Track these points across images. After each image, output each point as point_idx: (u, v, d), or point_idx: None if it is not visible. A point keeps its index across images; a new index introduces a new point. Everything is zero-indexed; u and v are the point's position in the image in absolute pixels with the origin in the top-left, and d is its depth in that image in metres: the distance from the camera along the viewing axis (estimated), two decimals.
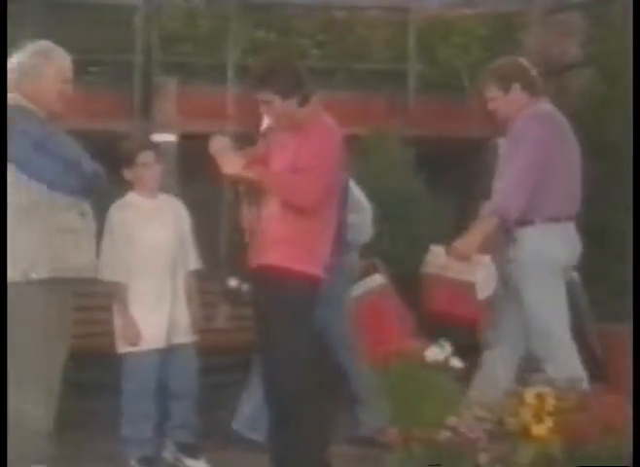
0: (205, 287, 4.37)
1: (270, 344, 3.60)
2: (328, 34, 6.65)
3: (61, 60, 3.58)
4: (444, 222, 5.56)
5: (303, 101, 3.62)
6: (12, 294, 3.41)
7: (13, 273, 3.41)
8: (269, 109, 3.61)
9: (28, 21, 6.19)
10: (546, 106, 4.02)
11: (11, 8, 5.61)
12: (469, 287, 3.87)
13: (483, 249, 3.89)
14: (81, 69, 3.70)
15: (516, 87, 3.96)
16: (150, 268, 4.08)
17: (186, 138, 6.09)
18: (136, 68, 6.30)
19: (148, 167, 4.12)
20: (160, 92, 6.25)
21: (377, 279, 4.64)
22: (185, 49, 6.58)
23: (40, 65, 3.53)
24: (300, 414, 3.54)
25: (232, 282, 4.25)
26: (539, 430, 2.60)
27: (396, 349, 3.12)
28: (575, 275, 4.14)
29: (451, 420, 2.73)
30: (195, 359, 4.22)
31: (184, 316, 4.17)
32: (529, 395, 2.67)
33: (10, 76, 3.55)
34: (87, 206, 3.60)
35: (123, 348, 4.09)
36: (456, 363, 3.12)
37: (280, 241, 3.57)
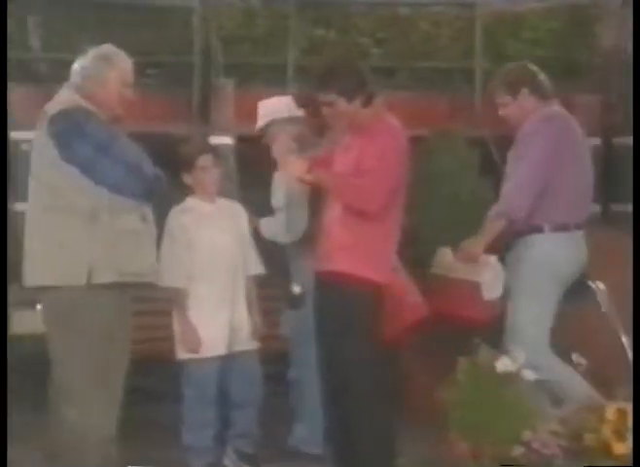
0: (269, 293, 4.37)
1: (333, 354, 3.59)
2: (390, 32, 6.62)
3: (123, 64, 3.64)
4: None
5: (367, 102, 3.62)
6: (72, 298, 3.46)
7: (74, 278, 3.46)
8: (332, 111, 3.61)
9: (87, 24, 6.30)
10: (555, 109, 4.05)
11: (70, 11, 5.75)
12: (476, 288, 3.90)
13: (491, 250, 3.91)
14: (139, 72, 3.74)
15: (525, 91, 4.02)
16: (210, 273, 4.11)
17: (244, 141, 6.12)
18: (194, 70, 6.36)
19: (207, 171, 4.15)
20: (218, 94, 6.30)
21: None
22: (243, 49, 6.62)
23: (102, 69, 3.60)
24: (365, 428, 3.52)
25: (296, 288, 4.24)
26: (620, 448, 2.53)
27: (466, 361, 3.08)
28: (591, 284, 4.14)
29: (525, 435, 2.68)
30: (257, 367, 4.22)
31: (245, 323, 4.18)
32: (610, 410, 2.60)
33: (73, 80, 3.62)
34: (148, 210, 3.63)
35: (182, 355, 4.12)
36: (528, 374, 3.07)
37: (343, 246, 3.57)
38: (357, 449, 3.55)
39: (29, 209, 3.60)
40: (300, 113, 4.43)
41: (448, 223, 5.03)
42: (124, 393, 3.65)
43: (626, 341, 4.28)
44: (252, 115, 6.18)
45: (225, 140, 6.19)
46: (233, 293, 4.16)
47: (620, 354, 4.05)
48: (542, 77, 4.11)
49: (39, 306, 3.70)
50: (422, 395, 3.80)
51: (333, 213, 3.65)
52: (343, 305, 3.57)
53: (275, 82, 6.42)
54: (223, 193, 4.33)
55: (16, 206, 5.86)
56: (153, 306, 5.01)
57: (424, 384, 3.92)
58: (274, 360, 4.45)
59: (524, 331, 3.85)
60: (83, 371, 3.49)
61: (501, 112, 4.12)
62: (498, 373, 3.00)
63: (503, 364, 3.04)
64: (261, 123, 4.52)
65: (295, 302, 4.19)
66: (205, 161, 4.16)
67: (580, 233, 4.02)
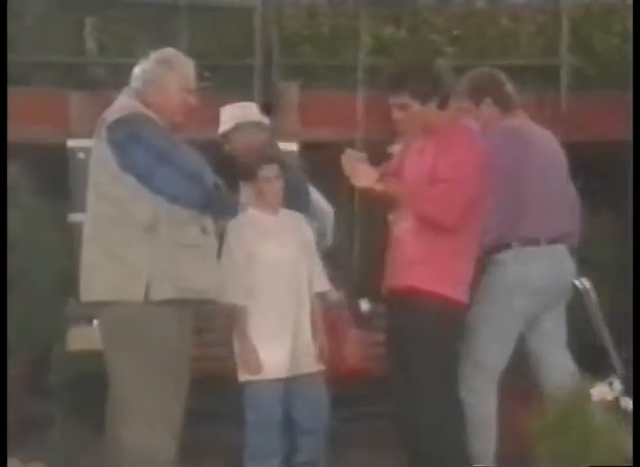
0: (335, 310, 4.31)
1: (407, 376, 3.54)
2: (465, 28, 6.56)
3: (185, 68, 3.65)
4: (601, 238, 5.37)
5: (443, 104, 3.57)
6: (130, 314, 3.47)
7: (131, 293, 3.47)
8: (405, 114, 3.56)
9: (145, 26, 6.39)
10: (515, 122, 4.04)
11: (127, 12, 5.82)
12: None
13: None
14: (196, 75, 3.76)
15: (489, 101, 4.01)
16: (272, 290, 4.06)
17: (309, 147, 6.12)
18: (255, 72, 6.39)
19: (269, 182, 4.10)
20: (281, 98, 6.32)
21: (334, 294, 4.49)
22: (306, 50, 6.64)
23: (164, 74, 3.61)
24: (442, 451, 3.47)
25: (364, 305, 4.17)
26: None
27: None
28: (583, 281, 4.17)
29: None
30: (323, 390, 4.16)
31: (310, 343, 4.13)
32: None
33: (133, 85, 3.65)
34: (208, 222, 3.63)
35: (243, 376, 4.09)
36: (627, 403, 2.98)
37: (418, 261, 3.51)
38: None
39: (86, 220, 3.62)
40: (265, 120, 4.49)
41: None
42: (184, 414, 3.66)
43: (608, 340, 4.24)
44: (317, 120, 6.21)
45: (288, 147, 6.20)
46: (297, 311, 4.11)
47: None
48: (508, 87, 4.14)
49: (96, 322, 3.74)
50: (506, 423, 3.74)
51: (405, 225, 3.60)
52: (417, 324, 3.51)
53: (341, 84, 6.41)
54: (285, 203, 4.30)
55: (73, 217, 5.98)
56: (214, 324, 5.03)
57: (508, 411, 3.85)
58: (340, 383, 4.40)
59: (485, 357, 3.80)
60: (142, 390, 3.49)
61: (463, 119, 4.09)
62: (593, 400, 2.91)
63: (599, 391, 2.96)
64: (223, 128, 4.53)
65: (362, 320, 4.11)
66: (269, 171, 4.12)
67: (557, 248, 3.97)
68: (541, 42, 6.54)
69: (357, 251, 5.66)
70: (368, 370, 4.73)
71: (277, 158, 4.20)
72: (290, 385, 4.06)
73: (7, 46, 4.33)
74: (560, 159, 4.14)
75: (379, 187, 3.57)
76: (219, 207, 3.63)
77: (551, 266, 3.93)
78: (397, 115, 3.61)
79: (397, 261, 3.61)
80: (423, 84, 3.54)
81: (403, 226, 3.61)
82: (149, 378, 3.51)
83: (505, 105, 4.09)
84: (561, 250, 4.00)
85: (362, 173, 3.59)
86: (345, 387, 4.61)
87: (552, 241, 3.95)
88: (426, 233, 3.51)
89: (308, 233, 4.24)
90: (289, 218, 4.23)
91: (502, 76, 4.19)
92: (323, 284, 4.21)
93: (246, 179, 4.13)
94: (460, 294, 3.56)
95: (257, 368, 4.00)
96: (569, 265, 4.04)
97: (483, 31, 6.57)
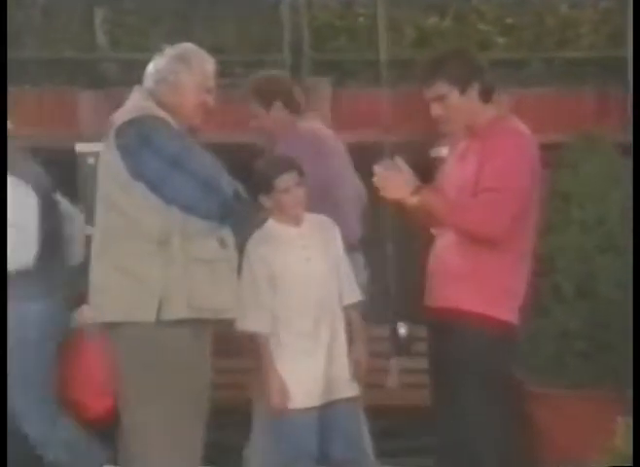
0: (370, 333, 4.29)
1: (453, 407, 3.52)
2: (519, 17, 6.53)
3: (204, 66, 3.65)
4: None
5: (485, 96, 3.55)
6: (140, 336, 3.48)
7: (142, 313, 3.47)
8: (445, 108, 3.54)
9: (161, 19, 6.45)
10: (308, 125, 4.38)
11: (142, 3, 5.88)
12: None
13: None
14: (219, 72, 3.76)
15: (278, 105, 4.33)
16: (300, 312, 4.02)
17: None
18: (284, 68, 6.40)
19: (288, 192, 4.08)
20: (312, 96, 6.33)
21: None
22: (339, 44, 6.65)
23: (180, 72, 3.62)
24: None
25: (402, 329, 4.13)
26: None
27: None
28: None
29: None
30: (360, 419, 4.11)
31: (345, 364, 4.12)
32: None
33: (145, 83, 3.66)
34: (227, 234, 3.63)
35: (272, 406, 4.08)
36: None
37: (462, 279, 3.47)
38: None
39: (94, 233, 3.64)
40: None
41: (590, 252, 4.92)
42: (204, 449, 3.65)
43: None
44: (352, 121, 6.21)
45: None
46: (331, 331, 4.09)
47: None
48: (296, 89, 4.45)
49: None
50: (564, 460, 3.69)
51: (446, 240, 3.58)
52: (464, 351, 3.48)
53: (379, 81, 6.41)
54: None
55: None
56: (236, 346, 5.03)
57: (565, 447, 3.82)
58: (378, 413, 4.38)
59: None
60: (155, 422, 3.49)
61: (253, 124, 4.42)
62: None
63: None
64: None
65: (401, 346, 4.05)
66: (287, 181, 4.11)
67: (353, 255, 4.19)
68: (605, 32, 6.48)
69: (393, 269, 5.62)
70: (409, 399, 4.72)
71: (294, 164, 4.18)
72: (324, 414, 4.04)
73: (7, 46, 4.39)
74: (347, 161, 4.54)
75: (413, 200, 3.53)
76: (239, 218, 3.64)
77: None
78: (435, 110, 3.57)
79: (439, 279, 3.58)
80: (460, 67, 3.52)
81: (446, 240, 3.59)
82: (162, 408, 3.51)
83: (294, 107, 4.42)
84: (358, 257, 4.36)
85: (394, 184, 3.55)
86: (385, 418, 4.59)
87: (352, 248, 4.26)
88: (471, 247, 3.48)
89: (337, 239, 4.20)
90: (314, 225, 4.20)
91: (287, 78, 4.59)
92: (354, 295, 4.17)
93: (263, 191, 4.09)
94: (511, 315, 3.53)
95: (284, 401, 3.99)
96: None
97: (540, 20, 6.53)
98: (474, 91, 3.53)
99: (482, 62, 3.61)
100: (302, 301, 4.03)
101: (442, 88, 3.52)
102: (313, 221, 4.18)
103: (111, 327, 3.57)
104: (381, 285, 4.29)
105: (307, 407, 3.99)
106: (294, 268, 4.05)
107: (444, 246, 3.57)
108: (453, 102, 3.52)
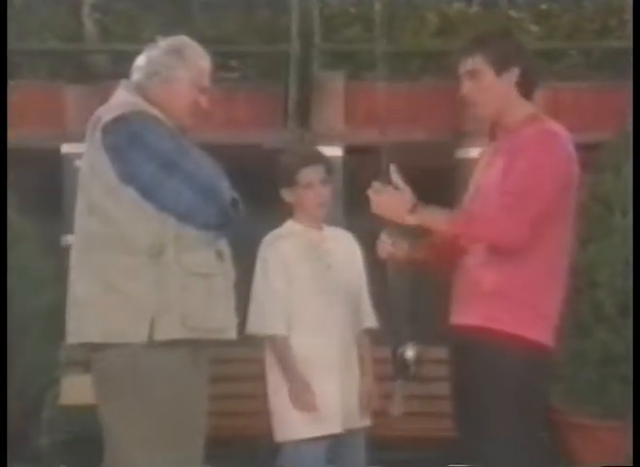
0: (377, 355, 4.25)
1: (480, 437, 3.50)
2: (555, 2, 6.53)
3: (199, 62, 3.65)
4: None
5: (526, 88, 3.53)
6: (130, 360, 3.45)
7: (132, 333, 3.44)
8: (477, 85, 3.52)
9: (156, 6, 6.46)
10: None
11: None
12: None
13: None
14: (220, 64, 3.75)
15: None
16: (316, 323, 4.05)
17: (355, 152, 6.12)
18: (291, 60, 6.41)
19: (312, 188, 4.11)
20: (322, 91, 6.33)
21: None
22: (353, 33, 6.65)
23: (174, 66, 3.62)
24: None
25: (410, 352, 4.11)
26: None
27: None
28: None
29: None
30: (363, 452, 4.15)
31: (356, 390, 4.12)
32: None
33: (134, 77, 3.66)
34: (224, 245, 3.60)
35: (283, 435, 4.07)
36: None
37: (490, 295, 3.47)
38: None
39: (75, 243, 3.61)
40: None
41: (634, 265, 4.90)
42: None
43: None
44: (367, 118, 6.19)
45: (332, 151, 6.17)
46: (347, 349, 4.11)
47: None
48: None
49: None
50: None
51: (473, 255, 3.56)
52: (490, 371, 3.46)
53: (397, 74, 6.39)
54: (327, 218, 4.29)
55: (67, 239, 6.02)
56: (235, 370, 5.02)
57: None
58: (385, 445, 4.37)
59: None
60: (146, 453, 3.46)
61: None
62: None
63: None
64: None
65: (407, 370, 4.05)
66: (314, 174, 4.11)
67: None
68: None
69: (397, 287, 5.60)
70: (417, 429, 4.70)
71: (323, 158, 4.20)
72: (333, 446, 4.04)
73: (6, 46, 4.38)
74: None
75: (411, 220, 3.49)
76: (237, 228, 3.62)
77: None
78: (466, 86, 3.54)
79: (466, 296, 3.56)
80: (502, 47, 3.49)
81: (473, 255, 3.56)
82: (154, 438, 3.48)
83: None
84: None
85: (390, 203, 3.50)
86: (390, 450, 4.58)
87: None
88: (499, 262, 3.46)
89: (358, 255, 4.23)
90: (337, 234, 4.22)
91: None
92: (372, 319, 4.20)
93: (285, 184, 4.12)
94: (544, 335, 3.50)
95: (311, 404, 3.97)
96: None
97: (578, 5, 6.52)
98: (512, 77, 3.51)
99: (529, 51, 3.58)
100: (319, 310, 4.04)
101: (477, 63, 3.50)
102: (336, 231, 4.22)
103: (95, 348, 3.55)
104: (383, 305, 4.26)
105: (325, 434, 4.00)
106: (313, 272, 4.06)
107: (472, 261, 3.55)
108: (487, 81, 3.50)
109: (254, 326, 3.97)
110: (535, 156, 3.42)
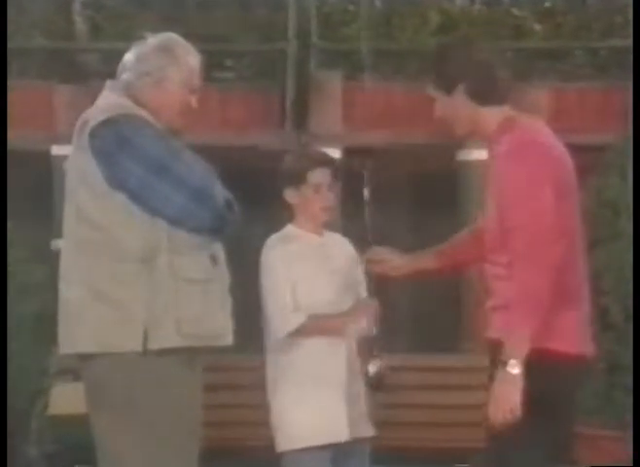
0: None
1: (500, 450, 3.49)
2: (558, 1, 6.52)
3: (191, 61, 3.62)
4: None
5: (480, 98, 3.57)
6: (122, 369, 3.45)
7: (126, 342, 3.43)
8: (440, 109, 3.60)
9: (151, 3, 6.45)
10: None
11: None
12: None
13: None
14: (214, 63, 3.74)
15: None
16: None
17: (354, 153, 6.11)
18: (288, 60, 6.41)
19: (318, 190, 4.10)
20: (320, 91, 6.32)
21: None
22: (352, 32, 6.65)
23: (165, 66, 3.57)
24: None
25: (372, 368, 4.16)
26: None
27: None
28: None
29: None
30: (368, 463, 4.15)
31: (362, 400, 4.12)
32: None
33: (124, 76, 3.63)
34: (219, 249, 3.60)
35: (285, 444, 4.06)
36: None
37: (502, 306, 3.49)
38: None
39: (64, 249, 3.58)
40: None
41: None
42: None
43: None
44: (366, 119, 6.20)
45: (330, 153, 6.18)
46: (349, 354, 4.11)
47: None
48: None
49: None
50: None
51: (490, 267, 3.61)
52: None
53: (397, 74, 6.40)
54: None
55: (58, 244, 6.01)
56: (230, 379, 5.01)
57: None
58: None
59: None
60: (139, 466, 3.44)
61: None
62: None
63: None
64: None
65: (371, 383, 4.10)
66: (319, 177, 4.11)
67: None
68: None
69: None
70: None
71: (332, 161, 4.19)
72: (337, 455, 4.04)
73: (6, 46, 4.37)
74: None
75: (404, 272, 3.66)
76: (232, 231, 3.61)
77: None
78: (435, 113, 3.64)
79: (487, 306, 3.61)
80: (442, 68, 3.54)
81: (488, 268, 3.61)
82: (147, 450, 3.45)
83: None
84: None
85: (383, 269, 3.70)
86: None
87: None
88: (514, 273, 3.50)
89: (356, 262, 4.22)
90: (336, 239, 4.21)
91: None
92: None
93: (291, 184, 4.11)
94: (572, 344, 3.52)
95: (374, 318, 3.97)
96: None
97: (583, 3, 6.51)
98: (459, 94, 3.56)
99: (474, 59, 3.63)
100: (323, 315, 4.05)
101: (430, 89, 3.60)
102: (335, 236, 4.21)
103: (86, 357, 3.54)
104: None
105: (330, 443, 4.00)
106: (314, 279, 4.06)
107: (490, 274, 3.59)
108: (443, 104, 3.57)
109: (279, 331, 3.94)
110: (520, 177, 3.45)
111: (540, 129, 3.56)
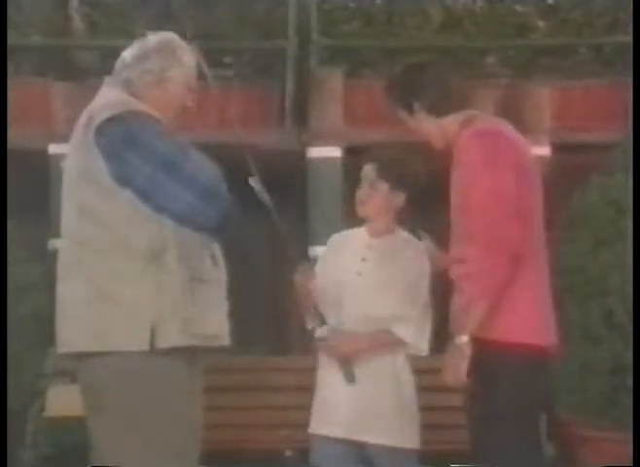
0: None
1: (480, 442, 3.57)
2: None
3: (190, 61, 3.67)
4: None
5: (433, 110, 3.71)
6: (129, 367, 3.44)
7: (132, 340, 3.44)
8: (414, 129, 3.79)
9: (146, 0, 6.47)
10: None
11: None
12: None
13: None
14: (212, 61, 3.78)
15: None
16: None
17: (355, 153, 6.12)
18: (288, 57, 6.42)
19: (361, 185, 4.14)
20: (321, 89, 6.34)
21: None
22: (353, 28, 6.66)
23: (167, 67, 3.62)
24: None
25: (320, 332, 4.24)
26: None
27: None
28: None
29: None
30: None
31: (380, 404, 4.12)
32: None
33: (124, 74, 3.65)
34: (217, 249, 3.62)
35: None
36: None
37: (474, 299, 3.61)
38: None
39: (63, 248, 3.61)
40: None
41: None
42: None
43: None
44: (367, 117, 6.21)
45: (330, 152, 6.20)
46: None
47: None
48: None
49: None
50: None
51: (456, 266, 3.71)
52: (488, 377, 3.54)
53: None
54: None
55: (54, 243, 6.02)
56: (230, 381, 5.01)
57: None
58: None
59: None
60: (142, 461, 3.46)
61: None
62: None
63: None
64: None
65: (347, 376, 4.14)
66: (367, 171, 4.13)
67: None
68: None
69: None
70: None
71: (381, 156, 4.24)
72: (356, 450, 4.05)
73: (6, 46, 4.39)
74: None
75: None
76: (234, 230, 3.64)
77: None
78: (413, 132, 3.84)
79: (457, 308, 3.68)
80: (397, 91, 3.77)
81: (455, 269, 3.69)
82: (146, 453, 3.47)
83: None
84: None
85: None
86: None
87: None
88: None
89: (408, 265, 4.16)
90: (392, 241, 4.19)
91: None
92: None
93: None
94: (540, 336, 3.60)
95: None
96: None
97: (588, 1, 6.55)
98: (419, 111, 3.71)
99: (425, 78, 3.75)
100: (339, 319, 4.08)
101: (397, 112, 3.79)
102: (398, 238, 4.17)
103: (84, 357, 3.54)
104: None
105: (329, 435, 4.02)
106: (345, 279, 4.09)
107: (457, 272, 3.67)
108: (412, 125, 3.78)
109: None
110: (476, 164, 3.58)
111: (500, 122, 3.72)
